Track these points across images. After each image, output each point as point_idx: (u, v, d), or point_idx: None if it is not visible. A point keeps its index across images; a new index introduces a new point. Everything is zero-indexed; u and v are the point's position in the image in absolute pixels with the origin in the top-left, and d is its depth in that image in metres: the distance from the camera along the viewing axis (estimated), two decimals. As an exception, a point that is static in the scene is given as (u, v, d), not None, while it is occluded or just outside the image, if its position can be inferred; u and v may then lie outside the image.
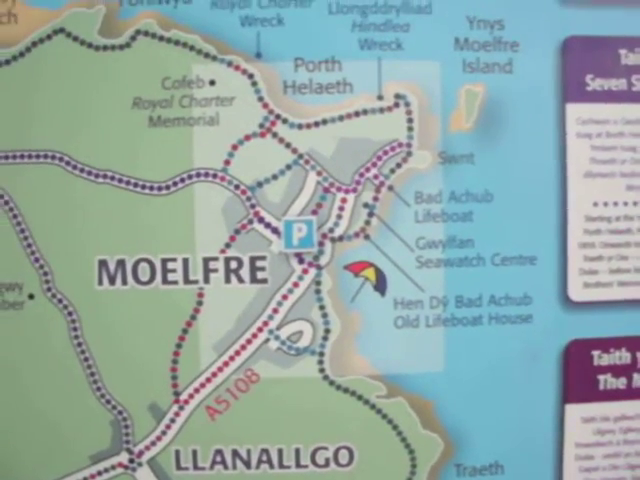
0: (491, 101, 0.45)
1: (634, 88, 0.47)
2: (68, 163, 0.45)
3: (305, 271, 0.45)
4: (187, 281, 0.45)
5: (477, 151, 0.45)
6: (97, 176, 0.45)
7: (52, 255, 0.45)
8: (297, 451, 0.46)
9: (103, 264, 0.45)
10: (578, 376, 0.47)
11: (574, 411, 0.47)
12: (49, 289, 0.45)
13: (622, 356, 0.47)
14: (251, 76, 0.45)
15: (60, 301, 0.45)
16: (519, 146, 0.46)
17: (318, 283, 0.45)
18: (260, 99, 0.45)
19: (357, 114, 0.45)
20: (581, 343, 0.47)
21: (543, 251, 0.46)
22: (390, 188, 0.45)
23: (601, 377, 0.47)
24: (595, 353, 0.47)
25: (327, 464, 0.46)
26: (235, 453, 0.46)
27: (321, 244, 0.45)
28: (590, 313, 0.47)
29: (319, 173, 0.45)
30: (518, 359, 0.46)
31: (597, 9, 0.46)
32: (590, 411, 0.47)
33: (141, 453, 0.46)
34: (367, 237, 0.45)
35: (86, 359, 0.46)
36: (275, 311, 0.45)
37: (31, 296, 0.46)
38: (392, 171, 0.45)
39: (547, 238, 0.46)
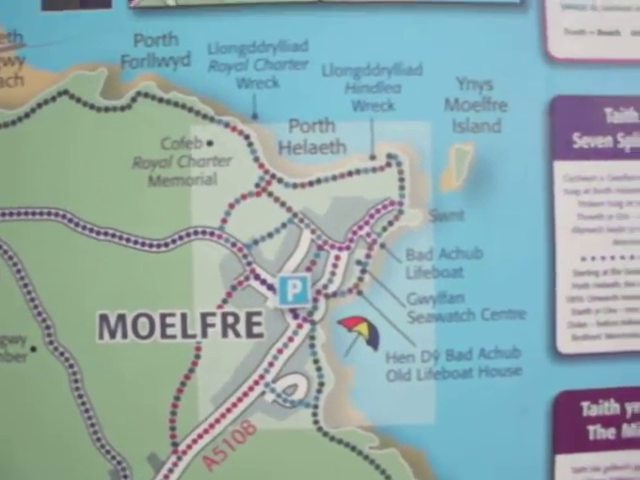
0: (481, 160, 0.47)
1: (619, 145, 0.48)
2: (71, 220, 0.47)
3: (300, 326, 0.46)
4: (185, 335, 0.46)
5: (467, 209, 0.47)
6: (98, 233, 0.46)
7: (54, 309, 0.47)
8: (292, 501, 0.47)
9: (104, 318, 0.46)
10: (568, 427, 0.48)
11: (565, 461, 0.48)
12: (51, 342, 0.47)
13: (611, 407, 0.48)
14: (247, 137, 0.46)
15: (62, 354, 0.47)
16: (508, 203, 0.47)
17: (312, 338, 0.46)
18: (256, 159, 0.46)
19: (350, 174, 0.46)
20: (570, 394, 0.48)
21: (532, 305, 0.47)
22: (382, 246, 0.46)
23: (591, 428, 0.48)
24: (584, 404, 0.48)
25: (321, 514, 0.47)
26: (232, 503, 0.47)
27: (315, 300, 0.46)
28: (579, 365, 0.48)
29: (313, 231, 0.46)
30: (508, 411, 0.47)
31: (583, 69, 0.48)
32: (580, 461, 0.48)
33: (140, 502, 0.47)
34: (360, 293, 0.46)
35: (87, 410, 0.47)
36: (271, 365, 0.46)
37: (33, 349, 0.47)
38: (384, 229, 0.46)
39: (536, 292, 0.47)
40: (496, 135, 0.47)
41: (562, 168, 0.47)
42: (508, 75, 0.47)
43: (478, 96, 0.47)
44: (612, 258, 0.48)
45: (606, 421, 0.48)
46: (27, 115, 0.47)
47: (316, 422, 0.46)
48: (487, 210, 0.47)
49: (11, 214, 0.47)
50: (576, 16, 0.48)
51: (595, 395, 0.48)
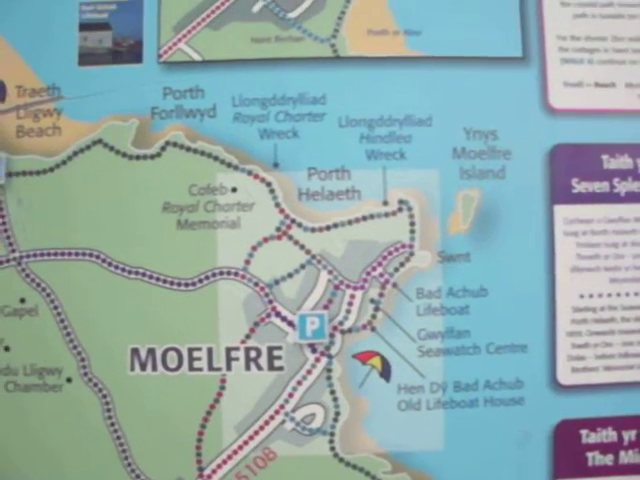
0: (486, 204, 0.50)
1: (615, 190, 0.51)
2: (104, 260, 0.50)
3: (317, 360, 0.50)
4: (211, 368, 0.50)
5: (473, 250, 0.50)
6: (130, 272, 0.50)
7: (89, 343, 0.50)
8: (311, 523, 0.50)
9: (135, 352, 0.50)
10: (568, 454, 0.51)
11: (564, 486, 0.51)
12: (86, 374, 0.50)
13: (609, 435, 0.51)
14: (269, 184, 0.50)
15: (95, 385, 0.50)
16: (511, 245, 0.50)
17: (329, 370, 0.50)
18: (277, 205, 0.50)
19: (364, 218, 0.50)
20: (570, 423, 0.51)
21: (534, 339, 0.51)
22: (394, 285, 0.50)
23: (589, 454, 0.51)
24: (583, 432, 0.51)
25: (337, 535, 0.50)
26: (254, 524, 0.50)
27: (332, 335, 0.49)
28: (578, 395, 0.51)
29: (330, 272, 0.49)
30: (512, 438, 0.51)
31: (581, 119, 0.51)
32: (579, 486, 0.51)
33: (168, 524, 0.50)
34: (373, 329, 0.50)
35: (118, 437, 0.50)
36: (290, 395, 0.50)
37: (69, 380, 0.50)
38: (396, 270, 0.50)
39: (537, 328, 0.50)
40: (500, 181, 0.50)
41: (562, 211, 0.51)
42: (511, 125, 0.51)
43: (483, 145, 0.50)
44: (609, 295, 0.51)
45: (604, 448, 0.51)
46: (64, 162, 0.51)
47: (332, 449, 0.50)
48: (492, 251, 0.50)
49: (49, 254, 0.50)
50: (574, 70, 0.52)
51: (593, 423, 0.51)
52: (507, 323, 0.50)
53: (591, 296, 0.51)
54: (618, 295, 0.51)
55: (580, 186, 0.51)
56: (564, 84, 0.51)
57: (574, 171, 0.51)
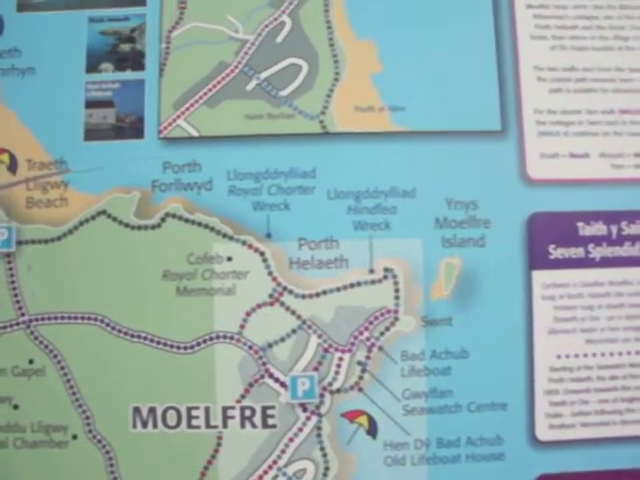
0: (467, 271, 0.53)
1: (590, 255, 0.54)
2: (108, 324, 0.53)
3: (308, 418, 0.53)
4: (208, 426, 0.53)
5: (455, 315, 0.53)
6: (132, 336, 0.53)
7: (93, 402, 0.53)
8: None
9: (137, 410, 0.53)
10: (546, 506, 0.54)
11: (543, 536, 0.54)
12: (90, 431, 0.53)
13: (585, 488, 0.54)
14: (262, 254, 0.53)
15: (99, 441, 0.53)
16: (491, 309, 0.53)
17: (319, 428, 0.53)
18: (270, 273, 0.53)
19: (352, 286, 0.53)
20: (548, 478, 0.54)
21: (513, 398, 0.53)
22: (380, 348, 0.53)
23: (567, 506, 0.54)
24: (561, 485, 0.54)
25: None
26: None
27: (322, 395, 0.52)
28: (556, 451, 0.54)
29: (320, 336, 0.53)
30: (493, 492, 0.53)
31: (557, 188, 0.54)
32: (558, 536, 0.54)
33: None
34: (360, 389, 0.53)
35: (121, 490, 0.53)
36: (283, 452, 0.53)
37: (75, 437, 0.53)
38: (382, 334, 0.53)
39: (516, 387, 0.53)
40: (480, 249, 0.53)
41: (539, 277, 0.54)
42: (491, 195, 0.54)
43: (464, 215, 0.53)
44: (585, 355, 0.54)
45: (581, 500, 0.54)
46: (70, 232, 0.54)
47: (323, 502, 0.53)
48: (472, 315, 0.53)
49: (56, 318, 0.54)
50: (551, 141, 0.55)
51: (571, 478, 0.54)
52: (487, 383, 0.53)
53: (568, 356, 0.54)
54: (594, 355, 0.54)
55: (557, 252, 0.54)
56: (541, 155, 0.54)
57: (551, 238, 0.54)
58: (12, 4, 0.56)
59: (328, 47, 0.55)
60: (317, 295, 0.53)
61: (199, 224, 0.53)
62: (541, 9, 0.56)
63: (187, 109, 0.54)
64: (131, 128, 0.54)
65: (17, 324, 0.53)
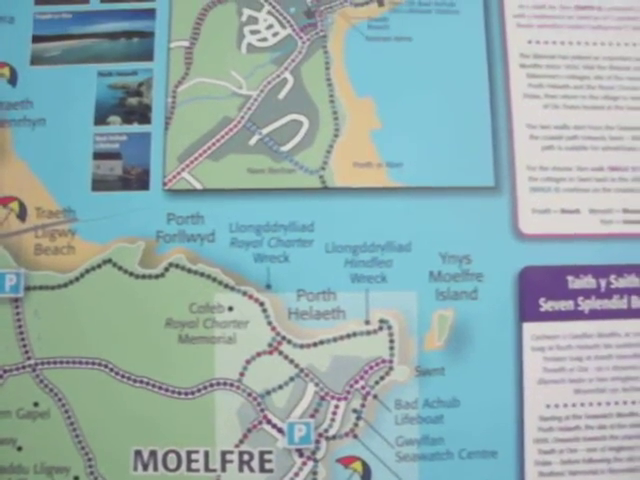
0: (459, 323, 0.55)
1: (579, 308, 0.56)
2: (112, 369, 0.55)
3: (304, 463, 0.54)
4: (207, 469, 0.54)
5: (447, 365, 0.55)
6: (135, 381, 0.55)
7: (96, 444, 0.55)
8: None
9: (138, 453, 0.55)
10: None
11: None
12: (92, 472, 0.55)
13: (573, 534, 0.56)
14: (262, 304, 0.55)
15: (101, 483, 0.55)
16: (483, 359, 0.55)
17: (315, 473, 0.54)
18: (269, 323, 0.55)
19: (348, 336, 0.55)
20: (536, 524, 0.55)
21: (503, 446, 0.55)
22: (375, 397, 0.54)
23: None
24: (549, 531, 0.56)
25: None
26: None
27: (317, 441, 0.54)
28: (544, 497, 0.55)
29: (317, 384, 0.54)
30: (483, 537, 0.55)
31: (548, 243, 0.56)
32: None
33: None
34: (355, 436, 0.54)
35: (122, 531, 0.55)
36: (279, 496, 0.54)
37: (76, 478, 0.55)
38: (377, 383, 0.54)
39: (507, 435, 0.55)
40: (473, 302, 0.55)
41: (530, 329, 0.56)
42: (484, 250, 0.56)
43: (458, 269, 0.55)
44: (574, 405, 0.56)
45: None
46: (77, 279, 0.56)
47: None
48: (464, 366, 0.55)
49: (61, 362, 0.55)
50: (542, 198, 0.57)
51: (558, 524, 0.56)
52: (478, 431, 0.55)
53: (557, 406, 0.55)
54: (582, 405, 0.56)
55: (547, 305, 0.56)
56: (533, 211, 0.56)
57: (541, 291, 0.56)
58: (26, 57, 0.58)
59: (328, 104, 0.57)
60: (315, 345, 0.54)
61: (202, 274, 0.55)
62: (534, 69, 0.58)
63: (191, 162, 0.56)
64: (137, 180, 0.56)
65: (23, 367, 0.55)
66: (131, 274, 0.55)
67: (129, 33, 0.58)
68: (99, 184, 0.56)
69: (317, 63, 0.57)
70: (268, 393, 0.54)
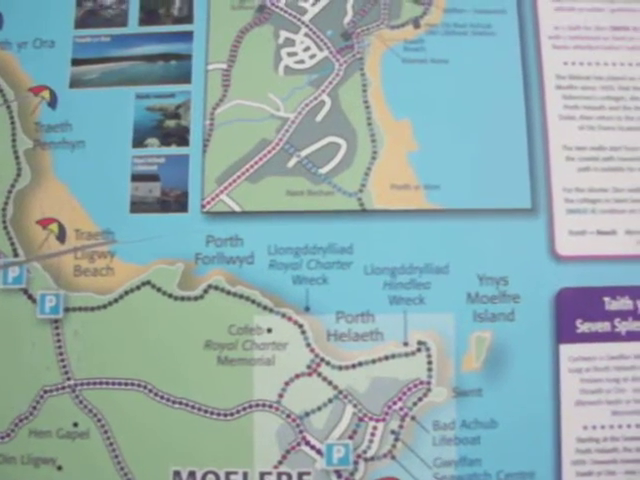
0: (497, 345, 0.55)
1: (616, 329, 0.56)
2: (151, 391, 0.55)
3: (343, 485, 0.55)
4: (246, 490, 0.55)
5: (485, 386, 0.55)
6: (174, 402, 0.55)
7: (135, 465, 0.55)
8: None
9: (177, 474, 0.55)
10: None
11: None
12: (132, 493, 0.55)
13: None
14: (301, 326, 0.55)
15: (141, 503, 0.55)
16: (520, 381, 0.55)
17: (353, 494, 0.55)
18: (308, 345, 0.55)
19: (387, 358, 0.55)
20: None
21: (541, 467, 0.55)
22: (413, 418, 0.55)
23: None
24: None
25: None
26: None
27: (356, 463, 0.54)
28: (582, 519, 0.55)
29: (355, 405, 0.55)
30: None
31: (585, 264, 0.56)
32: None
33: None
34: (393, 457, 0.55)
35: None
36: (318, 517, 0.55)
37: (117, 498, 0.56)
38: (415, 404, 0.55)
39: (544, 457, 0.55)
40: (510, 323, 0.55)
41: (567, 350, 0.56)
42: (521, 271, 0.56)
43: (495, 290, 0.56)
44: (611, 427, 0.56)
45: None
46: (116, 300, 0.56)
47: None
48: (502, 387, 0.55)
49: (101, 383, 0.56)
50: (579, 219, 0.57)
51: None
52: (516, 452, 0.55)
53: (594, 428, 0.56)
54: (620, 427, 0.56)
55: (584, 326, 0.56)
56: (569, 232, 0.57)
57: (578, 312, 0.56)
58: (65, 80, 0.58)
59: (366, 126, 0.57)
60: (353, 366, 0.55)
61: (240, 296, 0.55)
62: (570, 90, 0.58)
63: (230, 184, 0.56)
64: (175, 202, 0.56)
65: (63, 388, 0.56)
66: (170, 296, 0.56)
67: (167, 56, 0.58)
68: (138, 206, 0.57)
69: (354, 85, 0.58)
70: (307, 414, 0.55)
